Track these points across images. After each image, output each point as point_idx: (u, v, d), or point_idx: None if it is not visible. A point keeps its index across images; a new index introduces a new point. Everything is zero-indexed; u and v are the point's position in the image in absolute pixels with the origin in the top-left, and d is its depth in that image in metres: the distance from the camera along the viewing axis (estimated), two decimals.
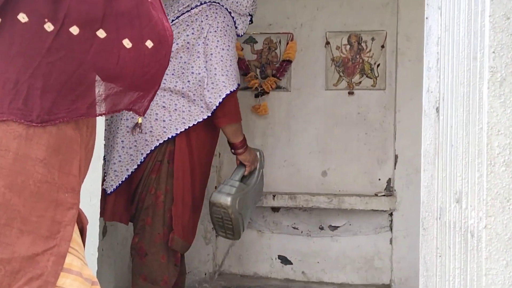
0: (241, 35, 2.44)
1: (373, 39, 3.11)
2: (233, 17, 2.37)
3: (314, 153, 3.17)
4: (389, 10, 3.10)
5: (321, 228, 3.12)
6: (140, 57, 0.92)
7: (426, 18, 1.40)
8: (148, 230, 2.31)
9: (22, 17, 0.87)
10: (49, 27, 0.87)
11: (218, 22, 2.28)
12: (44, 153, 0.90)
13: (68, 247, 0.93)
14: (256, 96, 3.17)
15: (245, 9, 2.39)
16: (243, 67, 3.13)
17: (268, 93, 3.17)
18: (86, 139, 0.99)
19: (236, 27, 2.37)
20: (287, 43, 3.17)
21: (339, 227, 3.10)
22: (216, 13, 2.30)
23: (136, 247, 2.32)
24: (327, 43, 3.15)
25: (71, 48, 0.89)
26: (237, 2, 2.38)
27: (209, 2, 2.33)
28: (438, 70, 1.34)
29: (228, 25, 2.31)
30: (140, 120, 1.05)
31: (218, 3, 2.34)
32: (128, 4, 0.90)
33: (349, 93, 3.13)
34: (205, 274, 3.14)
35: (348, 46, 3.14)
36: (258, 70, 3.22)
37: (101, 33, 0.89)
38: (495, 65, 0.72)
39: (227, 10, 2.35)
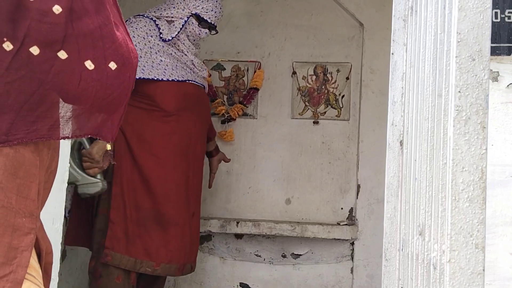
0: (169, 39, 2.46)
1: (338, 70, 3.18)
2: (157, 24, 2.47)
3: (279, 181, 3.19)
4: (355, 43, 3.18)
5: (284, 256, 3.12)
6: (103, 78, 0.90)
7: (392, 53, 1.45)
8: (102, 251, 2.29)
9: None
10: (7, 46, 0.85)
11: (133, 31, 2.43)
12: (1, 176, 0.87)
13: (25, 273, 0.89)
14: (223, 122, 3.19)
15: (177, 14, 2.49)
16: (211, 93, 3.15)
17: (234, 119, 3.19)
18: (47, 162, 0.96)
19: (160, 32, 2.46)
20: (255, 71, 3.21)
21: (301, 255, 3.11)
22: (132, 24, 2.45)
23: (93, 270, 2.31)
24: (294, 73, 3.20)
25: (31, 68, 0.87)
26: (164, 9, 2.52)
27: (134, 15, 2.51)
28: (403, 105, 1.38)
29: (144, 32, 2.44)
30: (109, 146, 1.03)
31: (142, 15, 2.50)
32: (91, 25, 0.89)
33: (314, 122, 3.18)
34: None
35: (314, 77, 3.20)
36: (225, 97, 3.24)
37: (62, 54, 0.87)
38: (461, 104, 0.75)
39: (151, 18, 2.48)
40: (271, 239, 3.12)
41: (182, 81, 2.46)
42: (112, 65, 0.90)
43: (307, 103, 3.20)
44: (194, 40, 2.52)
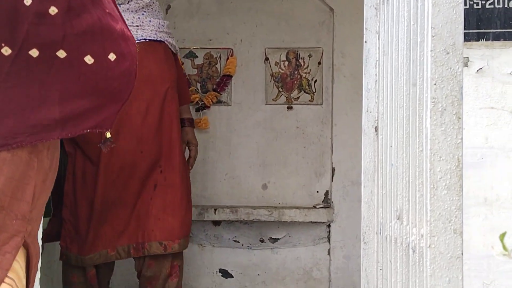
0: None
1: (310, 55, 3.21)
2: None
3: (255, 167, 3.22)
4: (325, 28, 3.20)
5: (262, 241, 3.16)
6: (103, 71, 0.90)
7: (365, 42, 1.47)
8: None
9: None
10: (6, 51, 0.84)
11: None
12: None
13: (4, 276, 0.87)
14: (197, 110, 3.18)
15: None
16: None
17: (209, 107, 3.19)
18: (47, 162, 0.94)
19: None
20: (227, 58, 3.20)
21: (279, 239, 3.15)
22: None
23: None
24: (266, 59, 3.21)
25: (30, 71, 0.86)
26: None
27: None
28: (377, 92, 1.41)
29: None
30: (108, 134, 1.00)
31: None
32: (89, 21, 0.89)
33: (288, 107, 3.21)
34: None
35: (286, 62, 3.22)
36: (199, 85, 3.24)
37: (61, 53, 0.87)
38: (436, 96, 0.78)
39: None
40: (249, 225, 3.15)
41: None
42: (112, 56, 0.90)
43: (280, 89, 3.22)
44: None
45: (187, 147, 2.56)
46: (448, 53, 0.76)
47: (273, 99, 3.21)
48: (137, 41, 2.15)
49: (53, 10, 0.86)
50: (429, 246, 0.78)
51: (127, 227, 2.23)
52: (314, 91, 3.20)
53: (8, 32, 0.84)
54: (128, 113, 2.20)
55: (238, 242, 3.17)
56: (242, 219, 3.03)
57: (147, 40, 2.31)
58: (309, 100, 3.20)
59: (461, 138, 0.78)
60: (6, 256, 0.86)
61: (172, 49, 2.44)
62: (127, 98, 0.95)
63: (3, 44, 0.84)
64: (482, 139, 1.38)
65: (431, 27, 0.78)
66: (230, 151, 3.22)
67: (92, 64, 0.88)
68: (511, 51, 1.34)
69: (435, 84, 0.77)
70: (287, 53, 3.21)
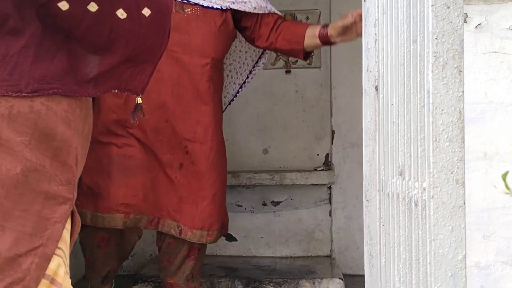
0: None
1: (307, 18, 3.19)
2: None
3: (255, 132, 3.24)
4: (322, 2, 3.18)
5: (264, 204, 3.21)
6: (135, 27, 0.82)
7: (364, 1, 1.47)
8: None
9: None
10: None
11: None
12: (31, 136, 0.77)
13: (55, 248, 0.80)
14: None
15: None
16: None
17: None
18: (81, 124, 0.86)
19: None
20: None
21: (281, 202, 3.20)
22: None
23: None
24: None
25: (59, 22, 0.78)
26: None
27: None
28: (377, 51, 1.42)
29: None
30: (139, 100, 0.89)
31: None
32: None
33: (286, 71, 3.21)
34: (150, 255, 3.16)
35: None
36: None
37: (92, 7, 0.78)
38: (438, 50, 0.79)
39: None
40: (251, 189, 3.19)
41: None
42: (146, 12, 0.82)
43: (278, 53, 3.21)
44: None
45: None
46: (448, 7, 0.77)
47: (271, 64, 3.21)
48: (189, 3, 2.05)
49: None
50: (432, 197, 0.81)
51: (147, 197, 2.10)
52: (312, 54, 3.19)
53: None
54: (158, 76, 2.00)
55: (241, 206, 3.21)
56: (244, 184, 3.07)
57: (202, 5, 2.11)
58: (307, 64, 3.19)
59: (462, 91, 0.79)
60: (56, 227, 0.80)
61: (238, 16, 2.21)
62: (159, 59, 0.88)
63: None
64: (482, 94, 1.39)
65: None
66: (229, 117, 3.23)
67: (124, 19, 0.80)
68: (510, 6, 1.34)
69: (436, 38, 0.79)
70: (284, 15, 3.19)
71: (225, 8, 2.14)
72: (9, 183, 0.76)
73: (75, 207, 0.86)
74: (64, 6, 0.77)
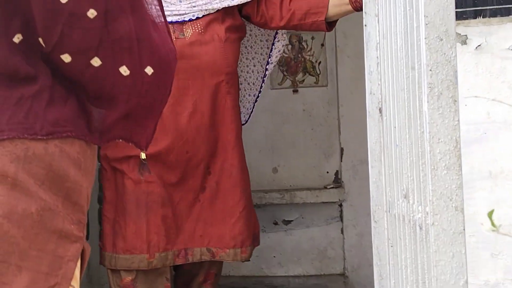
0: None
1: (313, 38, 3.23)
2: None
3: (264, 151, 3.26)
4: None
5: (275, 223, 3.22)
6: (137, 85, 0.82)
7: (365, 25, 1.50)
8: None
9: (17, 37, 0.78)
10: (42, 43, 0.78)
11: None
12: (45, 177, 0.79)
13: (68, 286, 0.82)
14: None
15: None
16: None
17: None
18: (91, 165, 0.88)
19: None
20: None
21: (292, 221, 3.21)
22: None
23: None
24: None
25: (63, 72, 0.81)
26: None
27: None
28: (379, 74, 1.45)
29: None
30: (143, 155, 0.92)
31: None
32: (126, 27, 0.80)
33: (293, 91, 3.24)
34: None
35: (289, 46, 3.24)
36: None
37: (95, 61, 0.79)
38: (433, 81, 0.82)
39: None
40: (262, 208, 3.21)
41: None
42: (149, 70, 0.82)
43: (285, 73, 3.25)
44: None
45: None
46: (441, 40, 0.80)
47: (278, 83, 3.25)
48: (187, 21, 1.94)
49: (92, 13, 0.78)
50: (433, 224, 0.83)
51: (167, 229, 2.01)
52: (318, 73, 3.23)
53: (45, 29, 0.78)
54: (174, 110, 1.97)
55: None
56: (255, 203, 3.08)
57: (198, 17, 1.99)
58: (314, 82, 3.23)
59: (458, 120, 0.81)
60: (69, 265, 0.82)
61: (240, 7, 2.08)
62: (159, 115, 0.88)
63: (40, 40, 0.78)
64: (484, 114, 1.41)
65: (424, 15, 0.81)
66: None
67: (127, 76, 0.81)
68: (508, 27, 1.36)
69: (430, 70, 0.81)
70: (290, 36, 3.23)
71: (226, 6, 2.01)
72: (25, 223, 0.77)
73: (86, 247, 0.88)
74: (66, 58, 0.79)
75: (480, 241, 1.38)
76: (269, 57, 2.30)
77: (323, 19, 2.05)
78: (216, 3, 1.99)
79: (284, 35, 2.30)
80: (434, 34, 0.80)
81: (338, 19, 2.17)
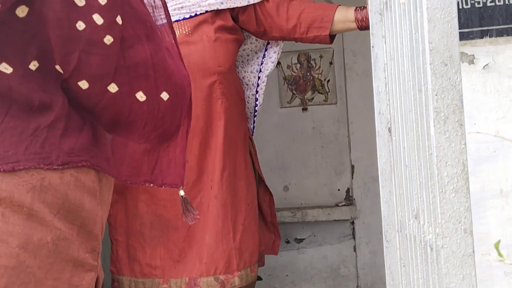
0: None
1: (321, 56, 3.25)
2: None
3: (275, 170, 3.27)
4: None
5: (288, 242, 3.22)
6: (154, 110, 0.84)
7: (372, 46, 1.52)
8: None
9: (34, 65, 0.79)
10: (59, 70, 0.79)
11: None
12: (60, 206, 0.80)
13: None
14: None
15: None
16: None
17: None
18: (106, 193, 0.89)
19: None
20: None
21: (304, 239, 3.21)
22: None
23: None
24: (278, 63, 3.26)
25: (80, 99, 0.82)
26: None
27: None
28: (387, 94, 1.46)
29: None
30: (182, 192, 0.87)
31: None
32: (142, 54, 0.82)
33: (303, 109, 3.26)
34: None
35: (298, 65, 3.27)
36: None
37: (112, 88, 0.81)
38: (438, 106, 0.83)
39: None
40: None
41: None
42: (164, 96, 0.84)
43: (294, 91, 3.27)
44: None
45: None
46: (446, 65, 0.81)
47: (287, 102, 3.27)
48: (174, 21, 1.80)
49: (108, 39, 0.79)
50: (442, 246, 0.83)
51: (181, 255, 1.89)
52: (327, 91, 3.25)
53: (62, 56, 0.79)
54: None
55: None
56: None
57: (185, 17, 1.91)
58: (324, 100, 3.24)
59: (465, 144, 0.82)
60: None
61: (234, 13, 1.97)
62: (172, 142, 0.88)
63: (57, 66, 0.79)
64: (494, 132, 1.42)
65: (429, 42, 0.83)
66: None
67: (143, 101, 0.83)
68: None
69: (436, 94, 0.82)
70: (298, 55, 3.26)
71: (215, 9, 1.91)
72: (41, 252, 0.78)
73: (100, 275, 0.88)
74: (84, 85, 0.80)
75: (493, 259, 1.38)
76: (261, 64, 2.16)
77: (327, 34, 1.96)
78: (205, 5, 1.90)
79: (279, 42, 2.15)
80: (438, 59, 0.82)
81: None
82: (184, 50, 1.73)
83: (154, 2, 0.88)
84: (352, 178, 3.17)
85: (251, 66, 2.18)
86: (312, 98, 3.26)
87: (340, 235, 3.18)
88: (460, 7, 1.42)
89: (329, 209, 3.09)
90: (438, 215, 0.85)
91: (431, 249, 1.02)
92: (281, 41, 2.13)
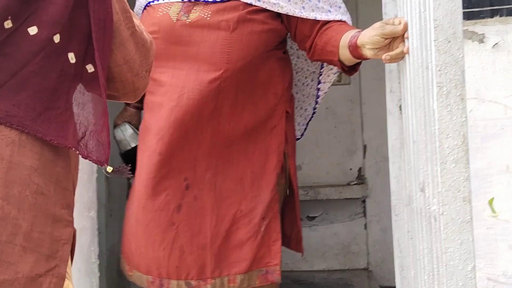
0: None
1: None
2: None
3: None
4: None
5: (300, 220, 3.27)
6: (76, 78, 0.88)
7: None
8: None
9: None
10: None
11: None
12: (37, 162, 0.82)
13: (66, 268, 0.85)
14: None
15: None
16: None
17: None
18: (74, 161, 0.91)
19: None
20: None
21: (316, 217, 3.27)
22: None
23: None
24: None
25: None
26: None
27: None
28: (398, 73, 1.50)
29: None
30: (109, 169, 0.90)
31: None
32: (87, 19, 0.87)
33: None
34: None
35: None
36: None
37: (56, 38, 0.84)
38: (441, 80, 0.87)
39: None
40: None
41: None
42: (89, 68, 0.90)
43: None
44: None
45: None
46: (449, 42, 0.85)
47: None
48: (200, 1, 1.60)
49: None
50: (442, 213, 0.88)
51: (181, 254, 1.67)
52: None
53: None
54: (158, 102, 1.67)
55: None
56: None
57: (215, 1, 1.64)
58: (337, 81, 3.27)
59: (465, 117, 0.87)
60: (65, 248, 0.84)
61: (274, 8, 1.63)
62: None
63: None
64: (502, 110, 1.45)
65: (433, 19, 0.87)
66: None
67: (72, 64, 0.87)
68: None
69: (439, 70, 0.87)
70: None
71: (248, 2, 1.62)
72: (23, 205, 0.79)
73: (74, 230, 0.90)
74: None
75: (499, 233, 1.42)
76: (320, 75, 1.95)
77: (337, 59, 1.63)
78: None
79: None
80: (442, 36, 0.86)
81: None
82: (197, 34, 1.60)
83: None
84: (364, 158, 3.21)
85: (310, 72, 1.97)
86: None
87: (351, 213, 3.23)
88: None
89: (341, 187, 3.14)
90: (439, 184, 0.90)
91: (435, 220, 1.07)
92: None
